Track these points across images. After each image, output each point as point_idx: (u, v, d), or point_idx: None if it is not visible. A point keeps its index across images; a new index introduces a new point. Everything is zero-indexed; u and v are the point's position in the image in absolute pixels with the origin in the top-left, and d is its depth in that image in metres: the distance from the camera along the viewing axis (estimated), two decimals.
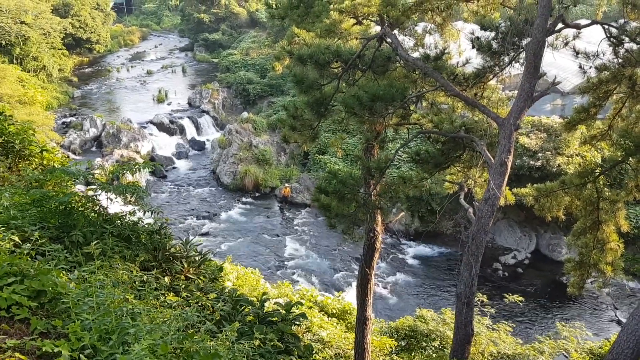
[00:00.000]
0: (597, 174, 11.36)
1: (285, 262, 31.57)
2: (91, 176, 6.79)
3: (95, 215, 6.39)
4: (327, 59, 8.57)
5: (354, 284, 16.42)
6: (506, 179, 7.92)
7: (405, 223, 34.83)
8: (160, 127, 47.88)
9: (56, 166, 12.43)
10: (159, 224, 6.75)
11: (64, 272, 4.65)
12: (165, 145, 46.37)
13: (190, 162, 45.49)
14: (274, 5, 13.30)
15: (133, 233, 6.21)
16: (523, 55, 8.72)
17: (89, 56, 70.26)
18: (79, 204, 6.29)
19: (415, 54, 9.26)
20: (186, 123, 49.57)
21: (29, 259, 4.48)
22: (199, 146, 47.92)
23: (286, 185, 38.98)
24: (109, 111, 51.89)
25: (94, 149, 43.48)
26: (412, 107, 9.21)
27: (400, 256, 32.88)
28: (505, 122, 7.79)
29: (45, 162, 12.04)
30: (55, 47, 56.09)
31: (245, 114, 47.95)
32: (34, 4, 53.23)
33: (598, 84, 10.54)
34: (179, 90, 58.91)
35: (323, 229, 35.24)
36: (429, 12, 12.74)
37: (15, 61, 48.49)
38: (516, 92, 8.78)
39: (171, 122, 48.90)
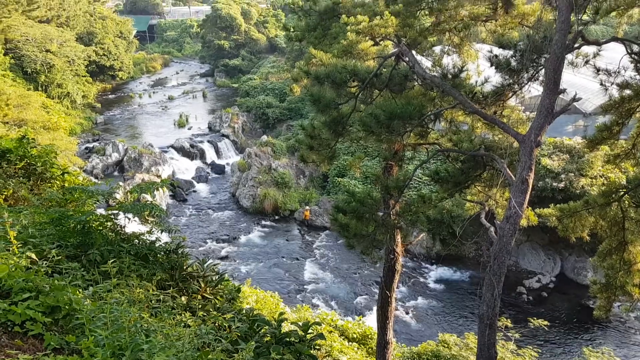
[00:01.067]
0: (622, 193, 11.11)
1: (305, 286, 31.36)
2: (109, 195, 6.83)
3: (113, 234, 6.40)
4: (344, 78, 8.58)
5: (375, 308, 16.21)
6: (528, 197, 7.77)
7: (427, 246, 34.47)
8: (181, 151, 48.45)
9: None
10: (176, 243, 6.74)
11: (79, 289, 4.64)
12: (185, 169, 46.84)
13: (210, 185, 45.81)
14: (291, 28, 13.46)
15: (150, 252, 6.19)
16: (542, 72, 8.63)
17: (112, 83, 71.69)
18: (97, 223, 6.32)
19: (433, 74, 9.21)
20: (206, 147, 50.09)
21: (46, 276, 4.48)
22: (218, 170, 48.29)
23: (306, 208, 38.93)
24: (131, 136, 52.67)
25: (116, 173, 44.05)
26: (430, 126, 9.15)
27: (422, 280, 32.46)
28: (525, 139, 7.67)
29: (66, 185, 12.17)
30: (79, 74, 57.33)
31: (264, 138, 48.28)
32: (59, 33, 54.63)
33: (620, 102, 10.37)
34: (200, 115, 59.67)
35: (343, 251, 35.03)
36: (447, 32, 12.76)
37: (40, 88, 49.63)
38: (536, 112, 8.67)
39: (192, 146, 49.44)
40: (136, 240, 6.40)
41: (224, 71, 76.38)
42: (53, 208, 6.70)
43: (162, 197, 40.65)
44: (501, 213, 12.40)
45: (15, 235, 4.64)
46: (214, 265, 7.26)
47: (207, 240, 36.43)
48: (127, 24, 75.33)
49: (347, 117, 8.99)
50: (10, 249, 4.48)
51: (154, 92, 69.90)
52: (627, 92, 10.11)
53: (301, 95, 57.61)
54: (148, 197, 37.81)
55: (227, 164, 49.23)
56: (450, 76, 8.77)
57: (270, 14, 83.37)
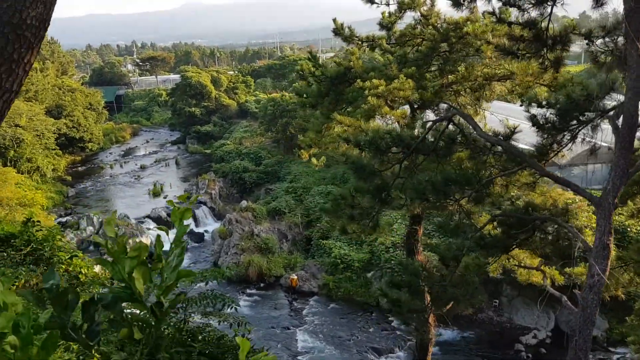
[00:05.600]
0: None
1: (299, 357, 29.99)
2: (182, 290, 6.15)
3: (175, 330, 5.69)
4: (387, 144, 8.25)
5: None
6: (609, 263, 7.36)
7: None
8: (158, 221, 47.18)
9: (83, 271, 11.73)
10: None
11: None
12: (163, 239, 45.32)
13: (190, 254, 44.37)
14: (304, 95, 13.23)
15: (219, 349, 5.50)
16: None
17: (81, 154, 70.43)
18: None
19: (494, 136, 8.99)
20: None
21: None
22: (197, 238, 47.04)
23: (293, 275, 37.78)
24: (105, 208, 51.23)
25: (91, 247, 42.37)
26: (486, 191, 8.82)
27: None
28: (602, 202, 7.34)
29: (70, 269, 11.33)
30: (49, 147, 56.16)
31: (244, 203, 47.60)
32: (28, 107, 53.75)
33: None
34: (174, 182, 58.79)
35: (334, 317, 33.98)
36: (460, 92, 12.71)
37: (9, 163, 48.19)
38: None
39: (168, 215, 48.21)
40: (200, 336, 5.71)
41: (195, 138, 76.15)
42: None
43: None
44: (523, 275, 12.04)
45: None
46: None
47: (192, 315, 34.82)
48: (97, 96, 74.95)
49: (391, 184, 8.60)
50: None
51: (125, 162, 68.87)
52: None
53: (277, 158, 57.58)
54: None
55: (206, 231, 48.10)
56: (503, 137, 8.53)
57: (240, 80, 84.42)
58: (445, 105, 12.69)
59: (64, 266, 11.11)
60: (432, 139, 8.55)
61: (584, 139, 8.41)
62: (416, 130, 8.72)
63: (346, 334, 32.13)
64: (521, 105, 10.68)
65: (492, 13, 8.10)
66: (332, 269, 37.50)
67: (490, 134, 8.60)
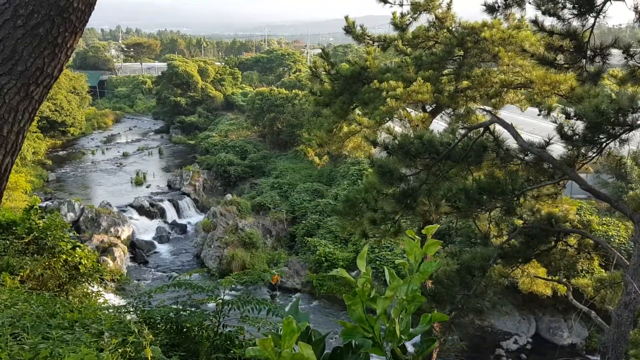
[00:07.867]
0: None
1: None
2: (212, 291, 5.90)
3: (213, 333, 5.46)
4: (417, 149, 8.08)
5: None
6: None
7: None
8: (140, 210, 46.45)
9: (83, 262, 11.39)
10: None
11: None
12: (145, 229, 44.78)
13: (172, 246, 43.84)
14: (318, 93, 12.97)
15: None
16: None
17: (62, 139, 69.01)
18: (196, 323, 5.36)
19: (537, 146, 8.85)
20: (166, 206, 48.27)
21: None
22: (180, 229, 46.47)
23: (274, 272, 37.51)
24: (86, 195, 50.30)
25: (71, 234, 41.47)
26: (518, 202, 8.69)
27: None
28: None
29: (70, 259, 11.00)
30: (30, 130, 54.86)
31: (229, 196, 47.14)
32: None
33: None
34: (157, 172, 57.97)
35: (316, 315, 33.86)
36: (476, 98, 12.60)
37: None
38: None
39: (151, 205, 47.52)
40: (237, 341, 5.48)
41: (179, 128, 75.22)
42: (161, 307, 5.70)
43: (123, 260, 38.57)
44: (524, 282, 12.00)
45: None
46: None
47: (173, 306, 34.36)
48: (81, 80, 73.57)
49: (417, 190, 8.44)
50: None
51: (107, 149, 67.73)
52: None
53: (263, 153, 57.17)
54: (109, 261, 35.69)
55: (189, 223, 47.53)
56: (537, 147, 8.42)
57: (227, 72, 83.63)
58: (459, 111, 12.60)
59: (64, 256, 10.79)
60: (462, 146, 8.42)
61: (609, 153, 8.38)
62: (437, 134, 8.65)
63: (329, 333, 32.02)
64: (539, 115, 10.62)
65: (534, 22, 7.99)
66: (316, 267, 37.36)
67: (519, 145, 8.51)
